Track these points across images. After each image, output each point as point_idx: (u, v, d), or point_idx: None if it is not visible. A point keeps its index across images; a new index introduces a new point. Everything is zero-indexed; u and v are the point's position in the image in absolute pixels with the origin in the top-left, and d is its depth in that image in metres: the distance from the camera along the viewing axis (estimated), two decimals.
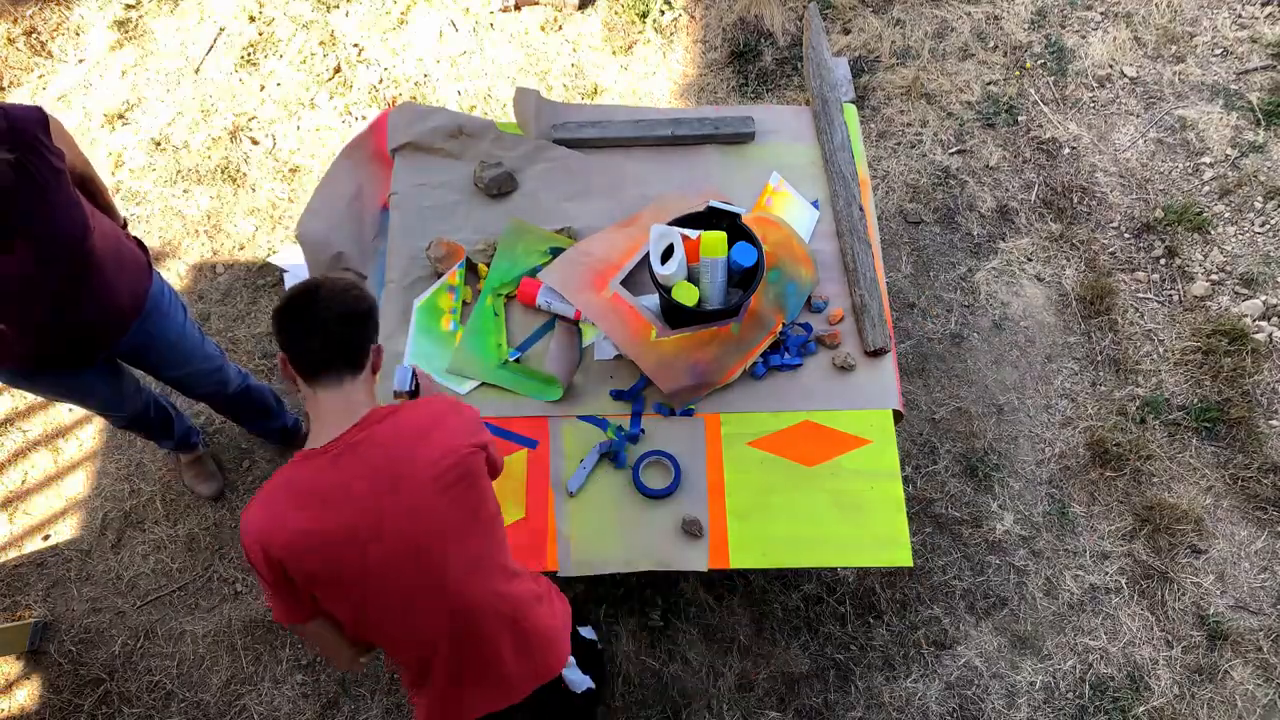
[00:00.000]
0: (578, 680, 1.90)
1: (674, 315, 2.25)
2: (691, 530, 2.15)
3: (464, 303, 2.43)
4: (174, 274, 3.25)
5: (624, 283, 2.41)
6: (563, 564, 2.14)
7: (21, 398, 3.06)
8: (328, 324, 1.57)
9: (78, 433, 3.02)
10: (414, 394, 1.99)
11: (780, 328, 2.37)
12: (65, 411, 3.04)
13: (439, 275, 2.43)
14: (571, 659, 1.84)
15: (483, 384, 2.33)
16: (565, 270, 2.43)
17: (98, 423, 3.03)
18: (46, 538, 2.88)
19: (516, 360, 2.36)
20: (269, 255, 3.28)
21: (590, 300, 2.35)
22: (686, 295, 2.21)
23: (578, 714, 1.98)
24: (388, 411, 1.63)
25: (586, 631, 2.06)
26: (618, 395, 2.31)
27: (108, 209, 2.17)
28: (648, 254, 2.32)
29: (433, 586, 1.62)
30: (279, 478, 1.59)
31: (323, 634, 1.67)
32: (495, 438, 2.07)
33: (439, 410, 1.66)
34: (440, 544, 1.60)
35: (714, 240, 2.20)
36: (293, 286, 1.59)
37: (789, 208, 2.56)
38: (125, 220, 2.29)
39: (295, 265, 3.22)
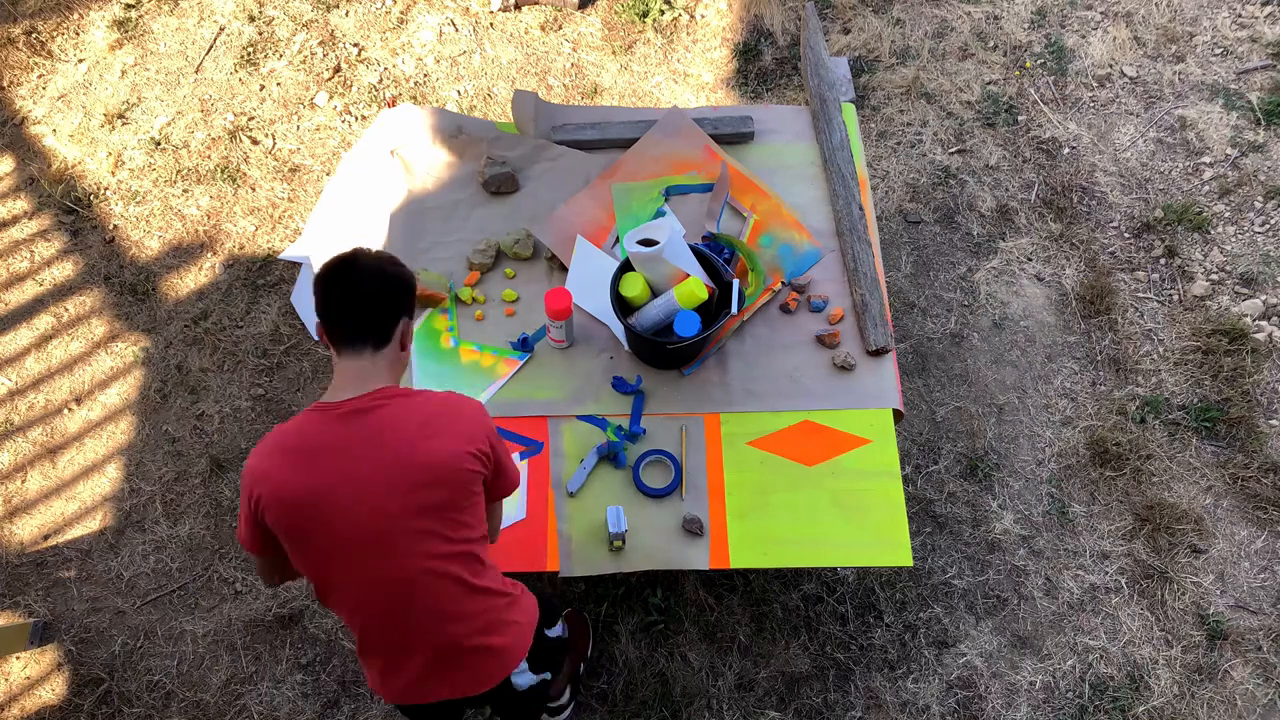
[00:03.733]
0: (523, 681, 1.87)
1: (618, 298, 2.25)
2: (692, 529, 2.15)
3: (472, 299, 2.43)
4: (175, 274, 3.25)
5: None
6: (563, 564, 2.14)
7: (19, 395, 3.06)
8: (360, 293, 1.62)
9: (77, 433, 3.02)
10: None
11: (778, 285, 2.42)
12: (65, 411, 3.04)
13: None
14: (523, 664, 1.84)
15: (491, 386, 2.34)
16: (557, 233, 2.48)
17: (95, 421, 3.03)
18: (46, 538, 2.88)
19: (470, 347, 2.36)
20: (270, 254, 3.28)
21: (565, 247, 2.45)
22: (632, 286, 2.20)
23: (524, 702, 1.96)
24: (404, 392, 1.65)
25: (556, 630, 2.05)
26: (619, 385, 2.31)
27: None
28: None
29: (386, 575, 1.63)
30: (289, 425, 1.64)
31: (264, 565, 1.75)
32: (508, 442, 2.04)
33: (451, 407, 1.67)
34: (405, 540, 1.62)
35: (689, 291, 2.16)
36: (336, 255, 1.66)
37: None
38: None
39: (307, 257, 3.22)
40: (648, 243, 2.16)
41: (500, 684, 1.80)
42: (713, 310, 2.23)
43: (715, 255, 2.27)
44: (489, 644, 1.74)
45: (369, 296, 1.63)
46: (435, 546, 1.64)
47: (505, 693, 1.84)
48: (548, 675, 1.93)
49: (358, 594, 1.66)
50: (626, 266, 2.25)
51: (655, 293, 2.25)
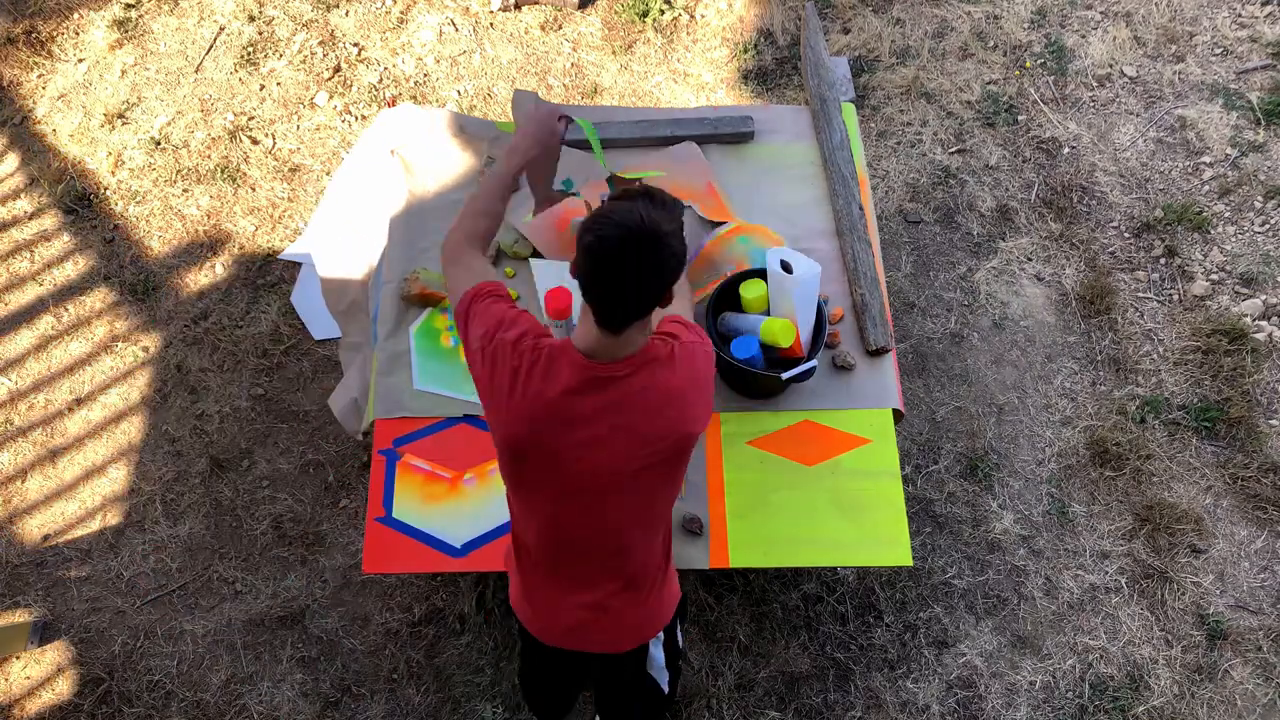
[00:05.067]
0: (658, 656, 1.97)
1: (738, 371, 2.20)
2: (692, 528, 2.15)
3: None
4: (175, 274, 3.25)
5: None
6: None
7: (19, 396, 3.06)
8: (640, 275, 1.47)
9: (76, 432, 3.02)
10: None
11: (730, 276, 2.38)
12: (64, 410, 3.04)
13: (407, 300, 2.42)
14: (659, 644, 1.94)
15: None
16: (542, 222, 2.50)
17: (95, 421, 3.03)
18: (46, 538, 2.88)
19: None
20: (270, 254, 3.28)
21: (552, 241, 2.47)
22: (784, 335, 2.16)
23: (641, 683, 2.04)
24: (654, 356, 1.58)
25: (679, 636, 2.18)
26: None
27: None
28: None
29: (589, 519, 1.68)
30: (545, 355, 1.57)
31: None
32: None
33: (684, 383, 1.61)
34: (620, 497, 1.65)
35: (778, 328, 2.15)
36: (605, 225, 1.46)
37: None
38: None
39: (307, 255, 3.23)
40: (786, 266, 2.18)
41: (636, 651, 1.90)
42: (774, 359, 2.23)
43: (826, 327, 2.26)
44: (649, 601, 1.83)
45: (648, 277, 1.48)
46: (644, 506, 1.69)
47: (635, 664, 1.93)
48: (667, 673, 2.02)
49: (556, 523, 1.69)
50: (749, 276, 2.30)
51: (764, 309, 2.27)
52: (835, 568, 2.80)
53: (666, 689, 2.09)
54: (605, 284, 1.47)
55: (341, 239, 3.12)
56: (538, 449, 1.60)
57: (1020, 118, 3.56)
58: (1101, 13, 3.77)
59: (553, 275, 2.43)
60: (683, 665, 2.35)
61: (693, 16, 3.77)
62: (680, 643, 2.12)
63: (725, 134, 2.63)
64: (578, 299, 2.40)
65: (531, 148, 1.94)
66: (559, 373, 1.56)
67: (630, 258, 1.45)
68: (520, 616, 1.88)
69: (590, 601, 1.78)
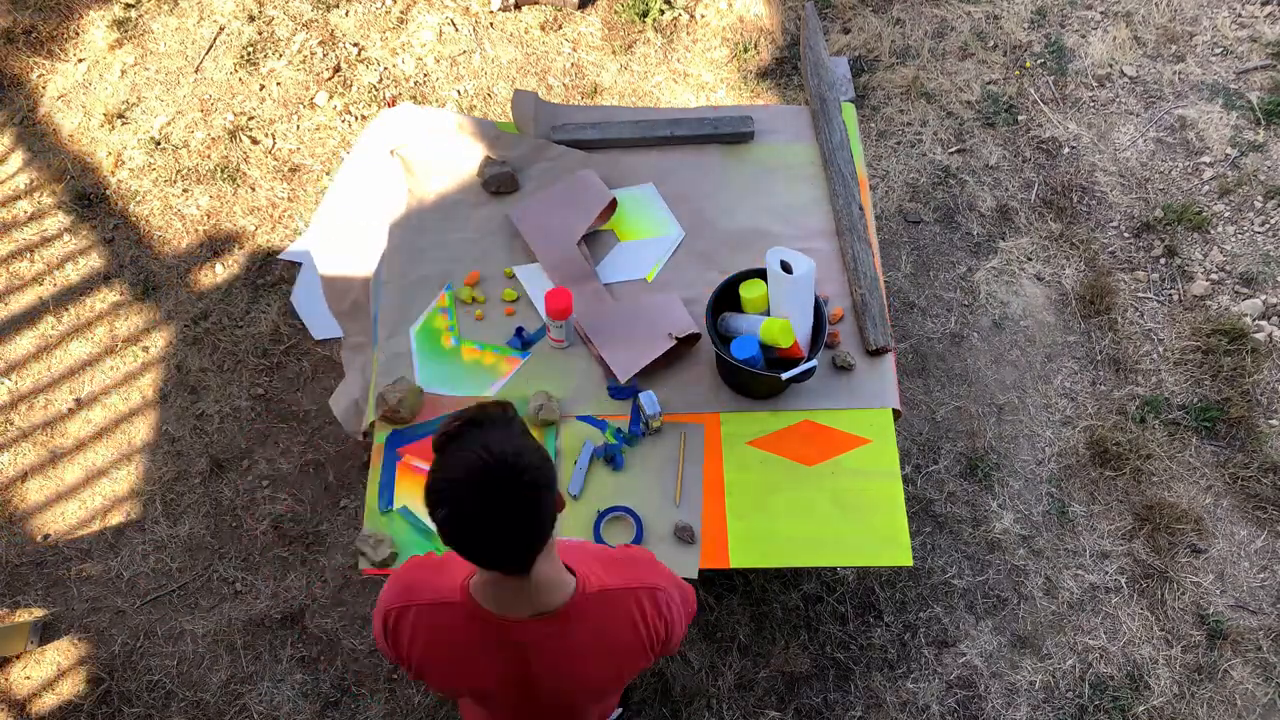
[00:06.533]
0: None
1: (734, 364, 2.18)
2: (683, 537, 2.15)
3: (472, 299, 2.43)
4: (175, 274, 3.25)
5: (587, 242, 2.50)
6: None
7: (20, 396, 3.06)
8: (504, 526, 1.19)
9: (76, 431, 3.02)
10: None
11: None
12: (63, 409, 3.04)
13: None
14: None
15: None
16: (535, 213, 2.48)
17: (95, 421, 3.03)
18: (46, 537, 2.88)
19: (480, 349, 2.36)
20: (270, 254, 3.28)
21: (551, 250, 2.44)
22: (784, 336, 2.15)
23: None
24: (571, 609, 1.37)
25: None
26: (615, 391, 2.31)
27: None
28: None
29: None
30: (443, 619, 1.39)
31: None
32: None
33: (614, 639, 1.42)
34: None
35: (777, 329, 2.15)
36: (447, 460, 1.19)
37: None
38: None
39: (307, 255, 3.23)
40: (786, 266, 2.18)
41: None
42: (774, 359, 2.23)
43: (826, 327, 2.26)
44: None
45: (515, 528, 1.20)
46: None
47: None
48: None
49: None
50: (749, 276, 2.29)
51: (764, 309, 2.27)
52: (835, 568, 2.80)
53: None
54: (477, 542, 1.20)
55: (343, 239, 3.12)
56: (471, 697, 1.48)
57: (1020, 118, 3.56)
58: (1101, 13, 3.77)
59: (541, 280, 2.44)
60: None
61: (693, 16, 3.76)
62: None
63: (725, 134, 2.63)
64: (578, 299, 2.40)
65: None
66: (456, 631, 1.39)
67: (493, 502, 1.17)
68: None
69: None
